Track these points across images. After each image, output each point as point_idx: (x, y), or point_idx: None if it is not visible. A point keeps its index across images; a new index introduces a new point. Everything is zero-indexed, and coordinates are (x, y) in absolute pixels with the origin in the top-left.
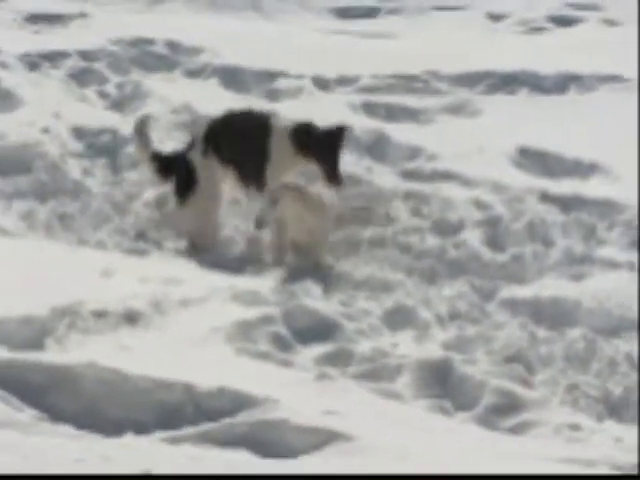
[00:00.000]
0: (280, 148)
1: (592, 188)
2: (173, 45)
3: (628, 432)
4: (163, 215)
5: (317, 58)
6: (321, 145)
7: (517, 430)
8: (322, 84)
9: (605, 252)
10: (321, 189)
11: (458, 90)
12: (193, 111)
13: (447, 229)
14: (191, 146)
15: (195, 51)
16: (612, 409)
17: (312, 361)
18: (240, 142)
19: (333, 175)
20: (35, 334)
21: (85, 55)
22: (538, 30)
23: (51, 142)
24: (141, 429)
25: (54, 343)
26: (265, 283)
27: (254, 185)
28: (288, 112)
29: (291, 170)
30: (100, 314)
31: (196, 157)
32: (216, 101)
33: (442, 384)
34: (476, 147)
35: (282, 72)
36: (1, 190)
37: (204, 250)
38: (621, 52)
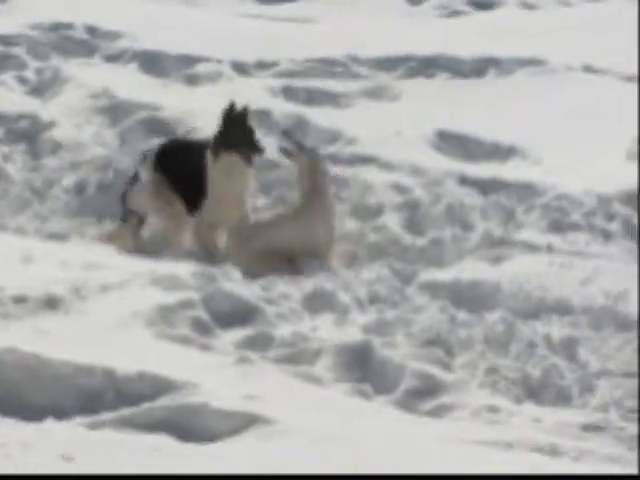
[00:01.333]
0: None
1: (511, 171)
2: (92, 30)
3: (546, 413)
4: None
5: (236, 43)
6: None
7: (437, 413)
8: (241, 69)
9: (524, 235)
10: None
11: (377, 74)
12: (112, 96)
13: (366, 213)
14: (143, 160)
15: (114, 36)
16: (530, 391)
17: (232, 345)
18: (184, 175)
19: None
20: None
21: (4, 40)
22: (457, 14)
23: None
24: (61, 414)
25: None
26: (185, 267)
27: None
28: (207, 97)
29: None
30: (20, 299)
31: (147, 170)
32: (135, 86)
33: (362, 367)
34: (395, 131)
35: (201, 57)
36: None
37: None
38: (540, 36)
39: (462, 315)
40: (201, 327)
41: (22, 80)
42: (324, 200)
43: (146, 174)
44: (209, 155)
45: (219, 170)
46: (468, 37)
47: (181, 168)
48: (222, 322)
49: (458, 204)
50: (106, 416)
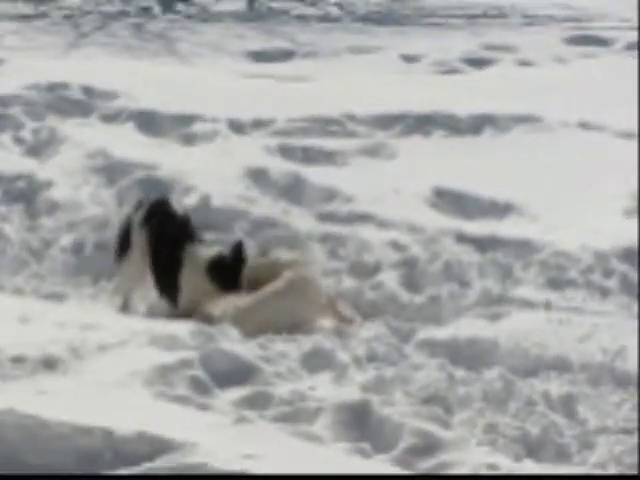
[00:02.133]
0: (194, 279)
1: (508, 228)
2: (88, 90)
3: (546, 471)
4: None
5: (232, 102)
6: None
7: (436, 471)
8: (238, 127)
9: (521, 292)
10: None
11: (374, 132)
12: (109, 156)
13: (364, 271)
14: (138, 207)
15: (111, 96)
16: (530, 449)
17: (230, 405)
18: (161, 255)
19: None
20: None
21: (0, 100)
22: (452, 72)
23: None
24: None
25: None
26: (183, 327)
27: (168, 299)
28: (203, 156)
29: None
30: (18, 360)
31: (136, 221)
32: (132, 145)
33: (361, 426)
34: (392, 189)
35: (197, 116)
36: None
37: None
38: (535, 92)
39: (460, 373)
40: (199, 387)
41: (19, 140)
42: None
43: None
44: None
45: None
46: (464, 94)
47: (161, 242)
48: (220, 381)
49: (455, 261)
50: None
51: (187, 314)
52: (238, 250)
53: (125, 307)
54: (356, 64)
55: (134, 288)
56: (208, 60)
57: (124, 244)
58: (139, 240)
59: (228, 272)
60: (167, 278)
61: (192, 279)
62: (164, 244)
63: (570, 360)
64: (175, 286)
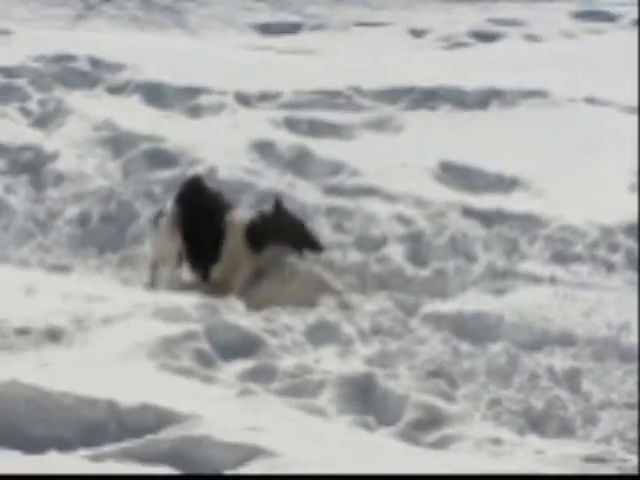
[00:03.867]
0: (235, 248)
1: (514, 203)
2: (95, 61)
3: (550, 445)
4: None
5: (239, 74)
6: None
7: (439, 445)
8: (244, 100)
9: (527, 266)
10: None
11: (380, 106)
12: (115, 128)
13: (370, 244)
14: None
15: (117, 67)
16: (533, 423)
17: (235, 377)
18: (197, 229)
19: (313, 246)
20: None
21: (7, 72)
22: (460, 45)
23: None
24: (64, 446)
25: None
26: (188, 299)
27: (200, 273)
28: (210, 129)
29: (244, 267)
30: (23, 331)
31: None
32: (138, 117)
33: (365, 399)
34: (398, 163)
35: (204, 88)
36: None
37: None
38: (542, 67)
39: (465, 347)
40: (204, 359)
41: (25, 112)
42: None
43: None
44: (242, 237)
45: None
46: (471, 69)
47: (196, 217)
48: (225, 354)
49: (461, 235)
50: (109, 448)
51: (219, 288)
52: (277, 211)
53: (153, 284)
54: (363, 38)
55: (163, 264)
56: (216, 33)
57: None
58: (173, 218)
59: (266, 234)
60: (205, 251)
61: (232, 246)
62: (200, 218)
63: (575, 334)
64: (211, 259)
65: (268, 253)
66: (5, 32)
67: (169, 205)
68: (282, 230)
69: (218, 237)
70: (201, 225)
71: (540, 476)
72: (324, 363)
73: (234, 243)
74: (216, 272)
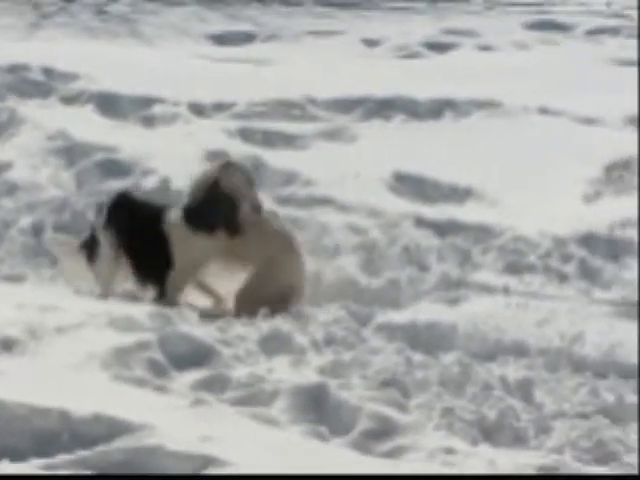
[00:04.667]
0: (182, 243)
1: (467, 213)
2: (49, 71)
3: (502, 455)
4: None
5: (194, 84)
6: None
7: (392, 454)
8: (198, 110)
9: (480, 276)
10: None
11: (334, 116)
12: (69, 137)
13: (323, 254)
14: (99, 211)
15: (71, 77)
16: (486, 433)
17: (188, 387)
18: (136, 244)
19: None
20: None
21: None
22: (413, 55)
23: None
24: (16, 456)
25: None
26: (141, 309)
27: (151, 283)
28: (164, 139)
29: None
30: None
31: (99, 227)
32: (92, 127)
33: (318, 409)
34: (352, 172)
35: (158, 98)
36: None
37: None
38: (496, 77)
39: (418, 357)
40: (157, 369)
41: None
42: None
43: (99, 229)
44: (177, 226)
45: (198, 246)
46: (424, 79)
47: (133, 232)
48: (178, 364)
49: (414, 246)
50: (61, 458)
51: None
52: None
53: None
54: (317, 47)
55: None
56: (170, 43)
57: (92, 251)
58: (107, 241)
59: (203, 215)
60: (152, 262)
61: (183, 244)
62: (136, 232)
63: (528, 345)
64: (162, 267)
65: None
66: None
67: (100, 230)
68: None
69: (161, 242)
70: (139, 238)
71: (538, 476)
72: (277, 373)
73: (180, 238)
74: (174, 277)
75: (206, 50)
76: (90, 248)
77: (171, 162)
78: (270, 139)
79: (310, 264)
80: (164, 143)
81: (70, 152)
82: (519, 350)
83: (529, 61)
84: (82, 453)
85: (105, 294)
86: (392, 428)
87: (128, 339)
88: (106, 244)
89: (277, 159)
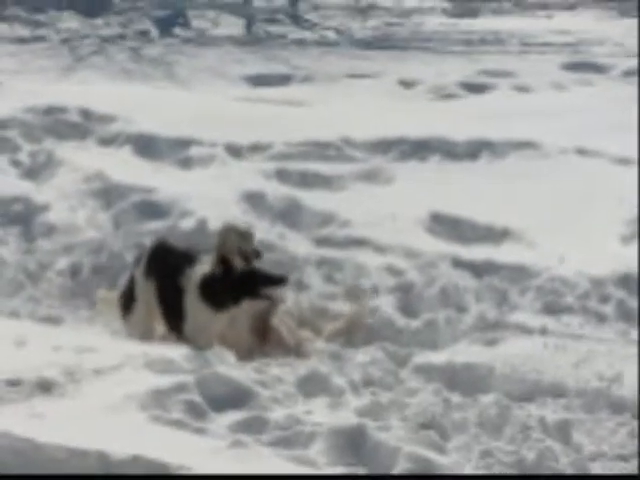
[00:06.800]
0: (195, 306)
1: (504, 254)
2: (86, 113)
3: None
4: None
5: (230, 126)
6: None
7: None
8: (235, 152)
9: (518, 317)
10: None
11: (371, 157)
12: (106, 179)
13: (361, 295)
14: (138, 260)
15: (108, 119)
16: (525, 475)
17: (226, 429)
18: (164, 291)
19: (274, 284)
20: None
21: None
22: (450, 97)
23: None
24: None
25: None
26: (179, 350)
27: (175, 331)
28: (200, 180)
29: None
30: (14, 383)
31: (138, 275)
32: (129, 169)
33: (356, 451)
34: (389, 213)
35: (195, 140)
36: None
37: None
38: (532, 118)
39: (456, 398)
40: (195, 411)
41: (16, 163)
42: None
43: (138, 277)
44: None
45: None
46: (461, 120)
47: (166, 281)
48: (216, 405)
49: (452, 286)
50: None
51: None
52: (222, 262)
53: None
54: (353, 89)
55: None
56: (206, 84)
57: (129, 301)
58: (145, 291)
59: (218, 288)
60: (174, 311)
61: (192, 304)
62: (167, 280)
63: (566, 386)
64: (180, 317)
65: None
66: None
67: (137, 275)
68: (238, 282)
69: (181, 295)
70: (168, 286)
71: (541, 476)
72: (315, 414)
73: (192, 300)
74: (186, 330)
75: (242, 91)
76: (127, 301)
77: (208, 203)
78: (307, 180)
79: (347, 305)
80: (201, 185)
81: (107, 194)
82: (557, 391)
83: (566, 102)
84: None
85: (144, 338)
86: (431, 470)
87: (165, 381)
88: (144, 292)
89: (314, 200)
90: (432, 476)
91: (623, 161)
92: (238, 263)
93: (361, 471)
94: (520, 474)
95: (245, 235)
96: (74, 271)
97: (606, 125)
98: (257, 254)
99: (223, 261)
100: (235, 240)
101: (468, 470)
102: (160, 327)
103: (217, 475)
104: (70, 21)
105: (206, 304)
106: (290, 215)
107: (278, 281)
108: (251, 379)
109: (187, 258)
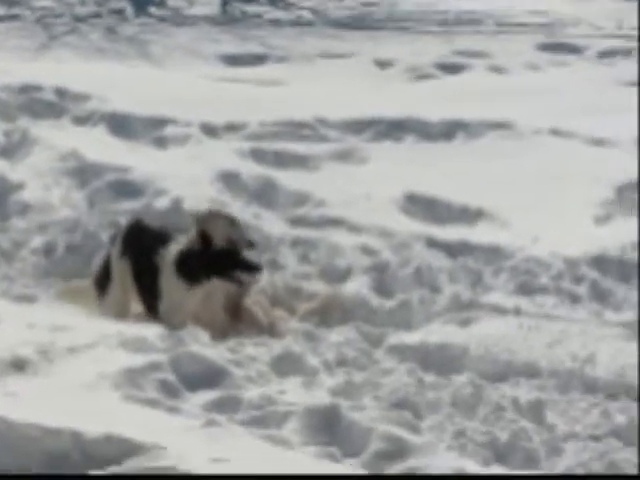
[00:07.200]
0: (169, 283)
1: (479, 234)
2: (61, 92)
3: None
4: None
5: (205, 105)
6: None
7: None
8: (210, 131)
9: (491, 298)
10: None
11: (346, 137)
12: (81, 158)
13: (335, 275)
14: (113, 240)
15: (83, 98)
16: (498, 454)
17: (200, 408)
18: (140, 270)
19: (249, 270)
20: None
21: None
22: (425, 77)
23: None
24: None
25: None
26: (153, 329)
27: (151, 310)
28: (175, 159)
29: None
30: None
31: (114, 254)
32: (104, 148)
33: (330, 430)
34: (363, 193)
35: (170, 119)
36: None
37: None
38: (507, 99)
39: (430, 378)
40: (169, 390)
41: None
42: None
43: (114, 257)
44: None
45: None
46: (436, 100)
47: (141, 260)
48: (190, 385)
49: (426, 267)
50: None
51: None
52: (202, 238)
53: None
54: (328, 69)
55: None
56: (181, 63)
57: (104, 281)
58: (121, 271)
59: (195, 265)
60: (149, 290)
61: (167, 281)
62: (142, 258)
63: (539, 366)
64: (155, 296)
65: (208, 287)
66: None
67: (113, 254)
68: (213, 258)
69: (156, 274)
70: (143, 265)
71: (538, 476)
72: (289, 394)
73: (167, 277)
74: (161, 309)
75: (217, 71)
76: (102, 280)
77: (183, 183)
78: (282, 160)
79: (321, 285)
80: (176, 164)
81: (82, 172)
82: (531, 371)
83: (540, 82)
84: (93, 474)
85: (120, 317)
86: (404, 449)
87: (139, 360)
88: (119, 272)
89: (289, 180)
90: (432, 476)
91: (597, 142)
92: (220, 243)
93: (334, 450)
94: (527, 474)
95: (234, 223)
96: (48, 250)
97: (581, 106)
98: (250, 244)
99: (203, 237)
100: (226, 229)
101: (441, 450)
102: (136, 306)
103: (220, 475)
104: None
105: (180, 279)
106: (265, 195)
107: (253, 268)
108: (225, 358)
109: (162, 237)
